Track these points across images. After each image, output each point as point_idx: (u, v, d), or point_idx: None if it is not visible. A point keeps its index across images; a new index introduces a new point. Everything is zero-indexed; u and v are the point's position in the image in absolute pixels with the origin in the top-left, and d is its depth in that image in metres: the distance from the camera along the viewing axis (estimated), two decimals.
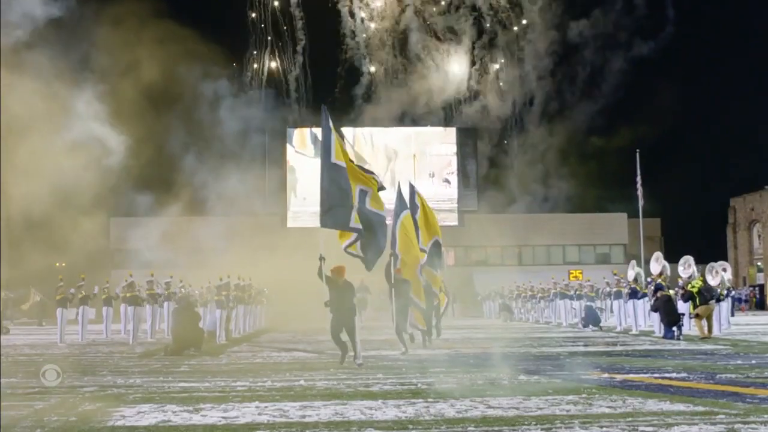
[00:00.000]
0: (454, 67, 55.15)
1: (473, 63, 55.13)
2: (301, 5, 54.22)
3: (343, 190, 12.78)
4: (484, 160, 56.23)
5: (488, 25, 54.84)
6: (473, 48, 54.87)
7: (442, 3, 54.32)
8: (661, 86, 51.15)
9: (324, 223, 12.77)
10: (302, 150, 53.86)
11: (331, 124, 13.18)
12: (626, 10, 49.19)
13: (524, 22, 54.48)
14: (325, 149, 12.93)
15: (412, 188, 18.83)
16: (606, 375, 10.71)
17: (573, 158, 51.11)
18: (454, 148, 54.37)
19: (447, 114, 55.86)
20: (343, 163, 12.91)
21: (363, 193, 13.30)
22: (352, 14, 54.64)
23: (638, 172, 40.53)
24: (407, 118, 55.01)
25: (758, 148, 56.50)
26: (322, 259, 12.54)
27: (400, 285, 15.77)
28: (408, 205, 17.60)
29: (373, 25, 54.77)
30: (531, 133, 54.94)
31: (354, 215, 12.79)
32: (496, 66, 55.76)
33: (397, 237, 16.28)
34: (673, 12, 48.21)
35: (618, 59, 48.88)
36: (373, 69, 55.00)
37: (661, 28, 49.68)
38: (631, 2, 48.79)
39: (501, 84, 55.27)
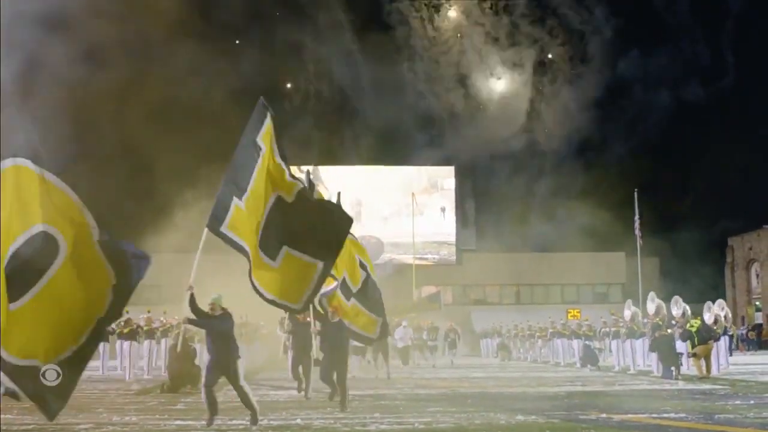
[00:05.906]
0: (507, 101, 54.27)
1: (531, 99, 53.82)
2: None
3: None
4: (485, 197, 55.57)
5: (549, 56, 53.63)
6: (532, 76, 53.46)
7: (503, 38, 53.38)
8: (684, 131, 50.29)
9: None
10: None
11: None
12: (689, 54, 47.66)
13: (580, 58, 53.58)
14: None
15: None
16: (604, 415, 10.67)
17: (575, 197, 50.67)
18: (453, 185, 54.50)
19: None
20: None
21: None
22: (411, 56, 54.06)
23: (636, 211, 40.56)
24: (462, 155, 53.90)
25: (756, 187, 56.44)
26: (190, 289, 9.99)
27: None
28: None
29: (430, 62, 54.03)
30: (553, 170, 54.07)
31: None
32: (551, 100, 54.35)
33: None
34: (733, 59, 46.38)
35: (662, 100, 47.19)
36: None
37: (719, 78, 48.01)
38: (694, 47, 47.36)
39: (548, 122, 54.06)
